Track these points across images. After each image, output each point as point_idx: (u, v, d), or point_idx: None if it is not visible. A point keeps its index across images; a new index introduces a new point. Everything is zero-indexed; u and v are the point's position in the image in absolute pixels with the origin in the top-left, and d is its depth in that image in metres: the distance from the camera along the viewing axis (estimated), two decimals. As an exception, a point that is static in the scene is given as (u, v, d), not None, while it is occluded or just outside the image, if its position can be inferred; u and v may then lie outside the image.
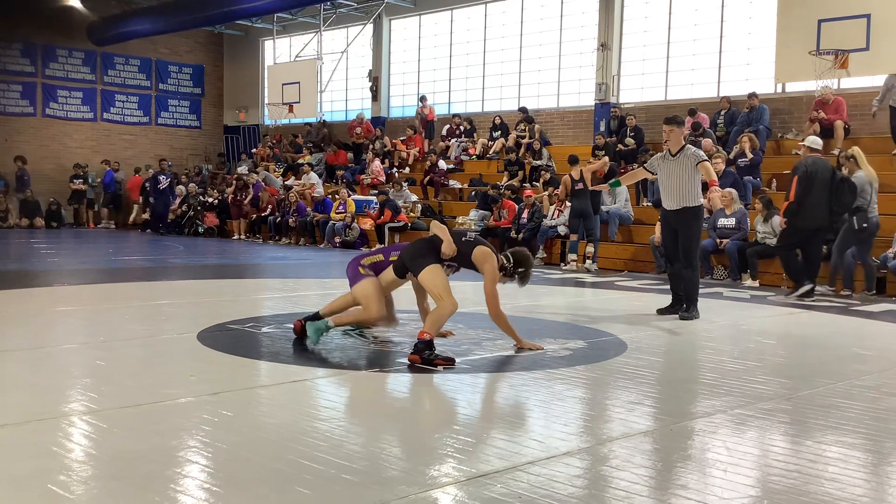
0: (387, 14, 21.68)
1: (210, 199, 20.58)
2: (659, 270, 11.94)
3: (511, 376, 5.09)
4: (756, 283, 10.99)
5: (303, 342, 5.85)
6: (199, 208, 20.54)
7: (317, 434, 3.63)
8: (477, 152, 19.04)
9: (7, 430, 3.59)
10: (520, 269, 5.73)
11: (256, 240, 19.02)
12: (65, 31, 23.20)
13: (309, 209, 18.19)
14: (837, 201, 9.27)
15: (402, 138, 20.46)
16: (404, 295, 6.41)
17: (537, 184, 15.81)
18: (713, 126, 15.10)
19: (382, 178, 19.09)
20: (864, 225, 9.66)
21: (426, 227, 15.14)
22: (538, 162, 16.76)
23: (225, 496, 2.88)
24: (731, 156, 13.56)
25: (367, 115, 22.02)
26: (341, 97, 23.67)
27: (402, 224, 16.27)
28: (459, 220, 15.47)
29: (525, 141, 17.57)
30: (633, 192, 14.61)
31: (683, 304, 7.71)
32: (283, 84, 21.34)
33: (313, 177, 19.49)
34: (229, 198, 19.95)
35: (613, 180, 8.72)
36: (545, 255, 13.89)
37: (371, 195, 17.99)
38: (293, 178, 20.38)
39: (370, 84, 22.29)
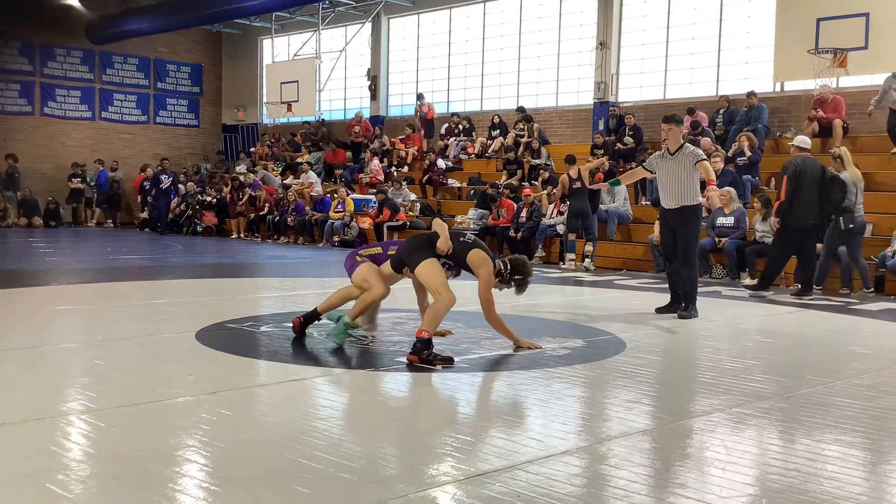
0: (385, 13, 21.66)
1: (208, 198, 20.57)
2: (658, 269, 11.93)
3: (510, 375, 5.08)
4: (755, 282, 10.98)
5: (301, 341, 5.85)
6: (197, 207, 20.53)
7: (316, 433, 3.63)
8: (476, 151, 19.02)
9: (5, 429, 3.59)
10: (516, 277, 5.69)
11: (255, 239, 18.99)
12: (63, 30, 23.16)
13: (307, 208, 18.18)
14: (828, 199, 9.29)
15: (400, 137, 20.43)
16: (405, 295, 6.40)
17: (536, 183, 15.80)
18: (712, 125, 15.09)
19: (381, 177, 19.09)
20: (851, 225, 9.73)
21: (427, 226, 15.13)
22: (537, 161, 16.75)
23: (223, 495, 2.88)
24: (730, 154, 13.56)
25: (366, 114, 21.98)
26: (340, 96, 23.65)
27: (400, 223, 16.28)
28: (458, 218, 15.46)
29: (524, 140, 17.55)
30: (631, 191, 14.61)
31: (682, 303, 7.71)
32: (282, 83, 21.32)
33: (312, 176, 19.47)
34: (226, 197, 19.95)
35: (613, 179, 8.72)
36: (544, 255, 13.88)
37: (370, 194, 18.00)
38: (292, 177, 20.36)
39: (369, 83, 22.27)
